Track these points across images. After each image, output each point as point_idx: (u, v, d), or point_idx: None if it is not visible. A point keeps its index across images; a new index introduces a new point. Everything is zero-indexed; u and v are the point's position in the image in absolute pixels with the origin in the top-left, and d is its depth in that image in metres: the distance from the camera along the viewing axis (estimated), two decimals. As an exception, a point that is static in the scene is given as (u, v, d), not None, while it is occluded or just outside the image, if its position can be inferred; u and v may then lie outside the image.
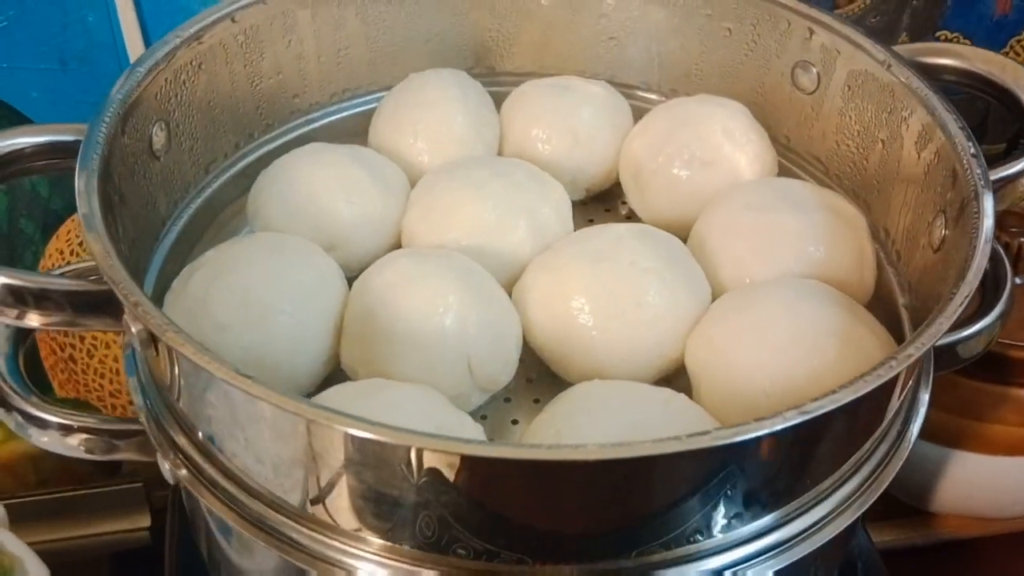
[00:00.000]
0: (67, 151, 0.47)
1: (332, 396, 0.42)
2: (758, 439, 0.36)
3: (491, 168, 0.54)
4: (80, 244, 0.71)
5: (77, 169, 0.43)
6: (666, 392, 0.44)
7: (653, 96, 0.63)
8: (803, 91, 0.57)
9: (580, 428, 0.41)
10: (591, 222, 0.58)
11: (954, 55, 0.53)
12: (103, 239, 0.40)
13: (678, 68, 0.62)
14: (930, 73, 0.51)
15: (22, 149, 0.46)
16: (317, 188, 0.53)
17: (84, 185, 0.43)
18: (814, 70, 0.56)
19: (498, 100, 0.61)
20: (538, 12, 0.62)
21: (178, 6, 0.67)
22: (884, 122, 0.52)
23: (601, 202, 0.61)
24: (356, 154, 0.55)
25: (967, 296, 0.38)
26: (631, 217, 0.59)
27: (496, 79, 0.64)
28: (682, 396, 0.44)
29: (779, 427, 0.34)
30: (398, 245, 0.54)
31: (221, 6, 0.54)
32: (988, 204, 0.43)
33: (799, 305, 0.46)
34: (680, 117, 0.57)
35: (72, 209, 0.70)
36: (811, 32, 0.55)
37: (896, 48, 0.53)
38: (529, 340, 0.49)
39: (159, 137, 0.51)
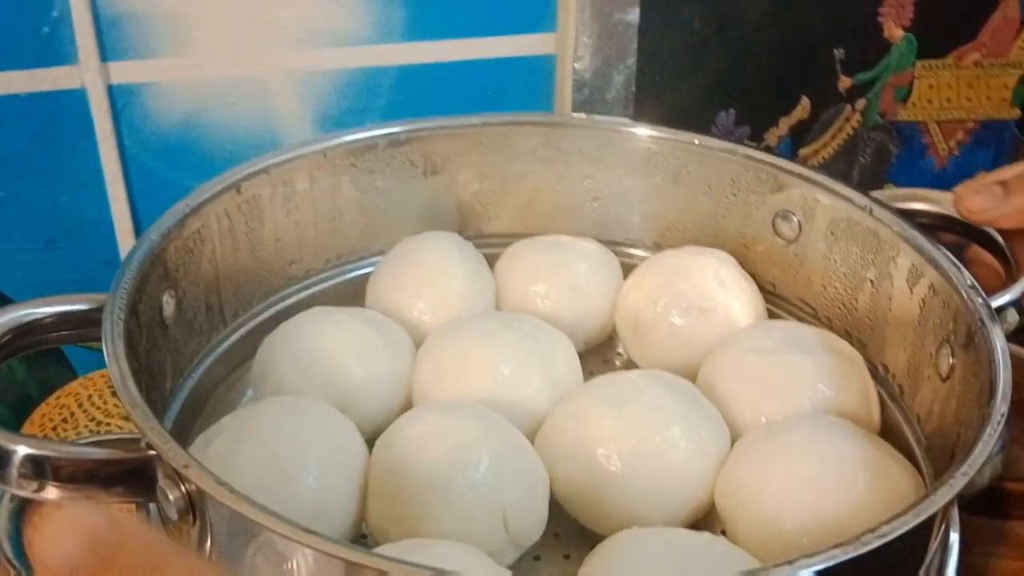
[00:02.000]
0: (82, 321, 0.46)
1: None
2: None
3: (499, 320, 0.55)
4: (54, 428, 0.69)
5: (104, 335, 0.43)
6: (706, 536, 0.44)
7: (638, 251, 0.66)
8: (786, 239, 0.60)
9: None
10: (591, 374, 0.59)
11: (926, 200, 0.57)
12: (140, 403, 0.39)
13: (661, 223, 0.64)
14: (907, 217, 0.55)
15: (40, 319, 0.46)
16: (329, 349, 0.53)
17: (112, 350, 0.42)
18: (795, 219, 0.59)
19: (488, 261, 0.63)
20: (524, 177, 0.64)
21: (167, 182, 0.67)
22: (871, 263, 0.55)
23: (598, 354, 0.62)
24: (362, 315, 0.55)
25: (1003, 416, 0.40)
26: (629, 367, 0.60)
27: (484, 241, 0.65)
28: (722, 538, 0.44)
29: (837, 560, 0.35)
30: (409, 405, 0.54)
31: (227, 176, 0.54)
32: (997, 331, 0.45)
33: (823, 439, 0.47)
34: (673, 267, 0.59)
35: (47, 393, 0.68)
36: (789, 184, 0.59)
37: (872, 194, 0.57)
38: (555, 493, 0.49)
39: (169, 306, 0.50)
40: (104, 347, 0.42)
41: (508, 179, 0.65)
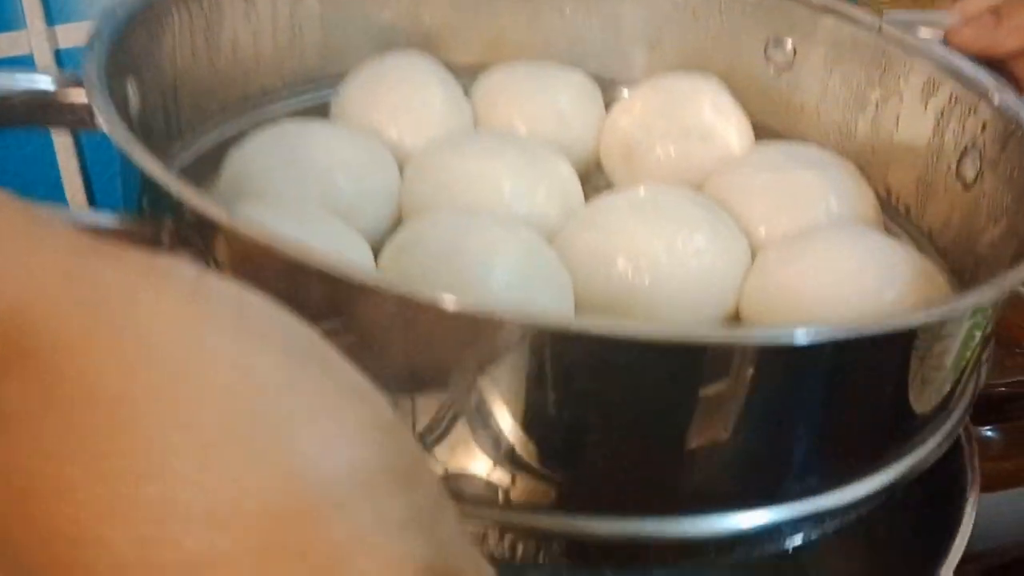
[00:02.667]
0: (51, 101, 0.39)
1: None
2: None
3: (495, 136, 0.50)
4: None
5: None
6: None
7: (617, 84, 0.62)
8: (778, 67, 0.57)
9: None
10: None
11: (929, 24, 0.55)
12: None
13: (641, 55, 0.61)
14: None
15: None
16: (314, 159, 0.47)
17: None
18: (789, 44, 0.57)
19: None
20: (497, 5, 0.60)
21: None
22: (877, 83, 0.53)
23: (584, 183, 0.58)
24: (337, 128, 0.50)
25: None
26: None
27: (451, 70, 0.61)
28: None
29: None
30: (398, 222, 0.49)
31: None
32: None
33: (855, 239, 0.45)
34: (666, 93, 0.56)
35: None
36: (785, 7, 0.56)
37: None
38: (578, 308, 0.45)
39: (134, 97, 0.44)
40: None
41: (480, 8, 0.60)
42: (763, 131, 0.58)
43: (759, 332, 0.37)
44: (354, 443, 0.19)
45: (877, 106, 0.53)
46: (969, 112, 0.48)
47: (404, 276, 0.41)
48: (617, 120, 0.56)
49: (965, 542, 0.42)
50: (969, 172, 0.47)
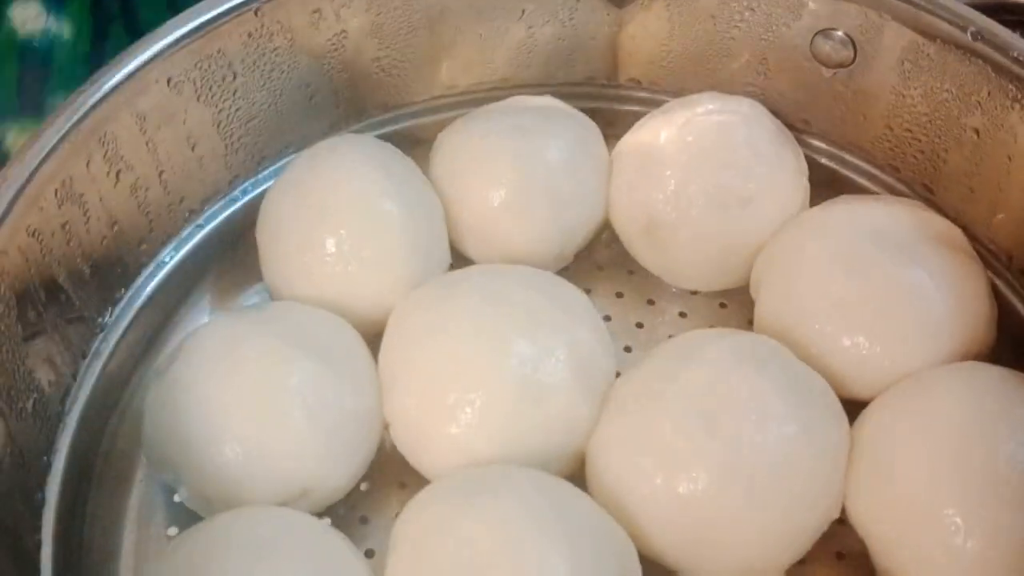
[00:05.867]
0: None
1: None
2: None
3: (487, 302, 0.37)
4: None
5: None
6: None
7: (611, 93, 0.47)
8: (830, 65, 0.43)
9: None
10: (588, 292, 0.43)
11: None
12: None
13: (638, 54, 0.46)
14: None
15: None
16: (252, 414, 0.35)
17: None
18: (841, 36, 0.42)
19: (408, 144, 0.44)
20: (437, 24, 0.44)
21: None
22: (977, 107, 0.39)
23: (581, 260, 0.45)
24: (281, 327, 0.37)
25: None
26: (633, 273, 0.45)
27: (397, 115, 0.46)
28: None
29: None
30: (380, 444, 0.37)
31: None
32: None
33: (988, 420, 0.34)
34: (690, 142, 0.42)
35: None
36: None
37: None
38: (645, 550, 0.35)
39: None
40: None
41: (416, 29, 0.44)
42: (814, 141, 0.45)
43: None
44: None
45: (979, 134, 0.40)
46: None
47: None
48: (631, 183, 0.43)
49: None
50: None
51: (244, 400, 0.35)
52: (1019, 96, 0.38)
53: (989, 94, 0.39)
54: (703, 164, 0.41)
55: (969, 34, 0.38)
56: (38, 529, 0.34)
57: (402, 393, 0.36)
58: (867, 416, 0.36)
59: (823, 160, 0.45)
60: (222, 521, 0.33)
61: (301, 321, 0.37)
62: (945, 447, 0.34)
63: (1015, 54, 0.37)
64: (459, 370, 0.36)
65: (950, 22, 0.39)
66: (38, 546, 0.34)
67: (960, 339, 0.38)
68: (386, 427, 0.37)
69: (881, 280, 0.38)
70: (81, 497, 0.37)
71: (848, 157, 0.45)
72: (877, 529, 0.35)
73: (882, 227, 0.39)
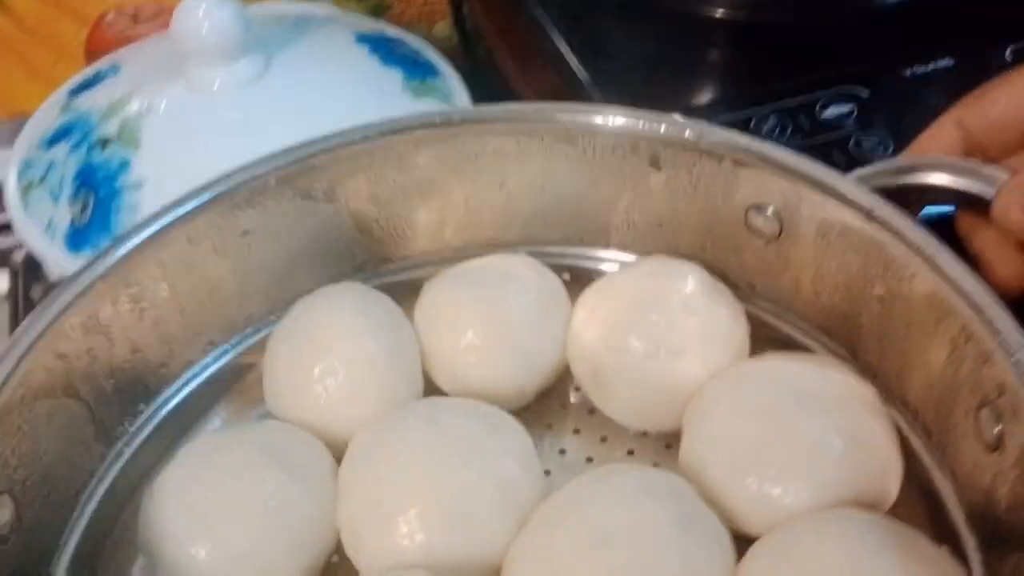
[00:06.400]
0: None
1: None
2: None
3: (433, 431, 0.44)
4: None
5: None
6: None
7: (580, 251, 0.54)
8: (763, 237, 0.48)
9: None
10: (549, 428, 0.50)
11: (949, 170, 0.44)
12: None
13: (603, 222, 0.53)
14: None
15: None
16: (223, 511, 0.42)
17: None
18: (770, 211, 0.47)
19: (405, 290, 0.51)
20: (429, 189, 0.52)
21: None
22: (880, 278, 0.44)
23: (550, 397, 0.51)
24: (260, 444, 0.44)
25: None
26: (589, 409, 0.50)
27: (395, 267, 0.54)
28: None
29: None
30: (334, 548, 0.43)
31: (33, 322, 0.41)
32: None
33: (855, 563, 0.37)
34: (631, 299, 0.48)
35: None
36: (756, 173, 0.47)
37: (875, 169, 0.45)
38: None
39: (4, 513, 0.39)
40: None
41: (409, 196, 0.52)
42: (761, 302, 0.50)
43: None
44: None
45: (883, 303, 0.44)
46: (982, 360, 0.39)
47: None
48: (580, 333, 0.49)
49: None
50: (988, 431, 0.39)
51: (216, 501, 0.42)
52: (910, 274, 0.42)
53: (885, 266, 0.43)
54: (639, 318, 0.47)
55: (864, 216, 0.43)
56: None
57: (348, 503, 0.43)
58: (752, 550, 0.40)
59: (769, 319, 0.50)
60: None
61: (278, 437, 0.45)
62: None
63: (908, 236, 0.42)
64: (394, 487, 0.42)
65: (848, 204, 0.44)
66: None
67: (857, 487, 0.42)
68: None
69: (784, 427, 0.42)
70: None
71: (790, 318, 0.50)
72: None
73: (796, 381, 0.44)
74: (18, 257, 0.64)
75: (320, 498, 0.43)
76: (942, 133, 0.46)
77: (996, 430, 0.38)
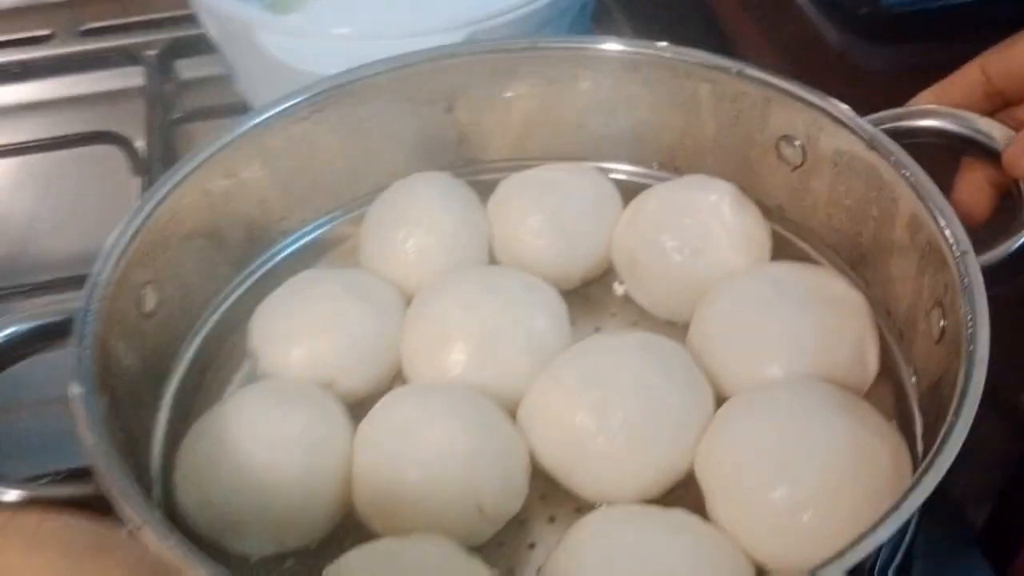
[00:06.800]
0: (58, 333, 0.47)
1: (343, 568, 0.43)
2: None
3: (482, 285, 0.54)
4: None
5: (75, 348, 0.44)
6: (678, 517, 0.44)
7: (639, 169, 0.63)
8: (791, 165, 0.56)
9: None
10: (589, 310, 0.59)
11: (946, 117, 0.51)
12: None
13: (663, 146, 0.61)
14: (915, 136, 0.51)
15: (16, 336, 0.47)
16: (313, 324, 0.53)
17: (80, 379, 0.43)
18: (798, 144, 0.55)
19: (485, 188, 0.61)
20: (514, 106, 0.61)
21: None
22: (875, 201, 0.51)
23: (597, 286, 0.60)
24: (349, 281, 0.55)
25: (965, 433, 0.38)
26: (628, 300, 0.59)
27: (479, 168, 0.64)
28: (693, 520, 0.44)
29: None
30: (399, 370, 0.54)
31: (189, 160, 0.53)
32: (982, 309, 0.42)
33: (806, 417, 0.45)
34: (669, 203, 0.57)
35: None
36: (788, 109, 0.54)
37: (882, 114, 0.52)
38: (538, 460, 0.49)
39: (149, 298, 0.51)
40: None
41: (497, 110, 0.62)
42: (787, 223, 0.58)
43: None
44: None
45: (876, 222, 0.52)
46: (939, 266, 0.46)
47: (368, 464, 0.47)
48: (623, 230, 0.58)
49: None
50: (936, 325, 0.46)
51: (310, 317, 0.53)
52: (897, 195, 0.50)
53: (880, 190, 0.51)
54: (674, 221, 0.56)
55: (866, 144, 0.51)
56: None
57: (410, 335, 0.54)
58: (726, 404, 0.49)
59: (790, 237, 0.58)
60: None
61: (365, 281, 0.56)
62: (773, 422, 0.46)
63: (896, 162, 0.50)
64: (445, 325, 0.52)
65: (856, 134, 0.51)
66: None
67: (831, 372, 0.49)
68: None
69: (775, 316, 0.50)
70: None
71: (807, 236, 0.57)
72: (713, 481, 0.47)
73: (787, 280, 0.52)
74: (151, 52, 0.74)
75: (390, 328, 0.54)
76: (966, 78, 0.52)
77: (941, 324, 0.46)
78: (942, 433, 0.39)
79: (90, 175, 0.75)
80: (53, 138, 0.76)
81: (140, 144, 0.75)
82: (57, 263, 0.69)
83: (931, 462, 0.38)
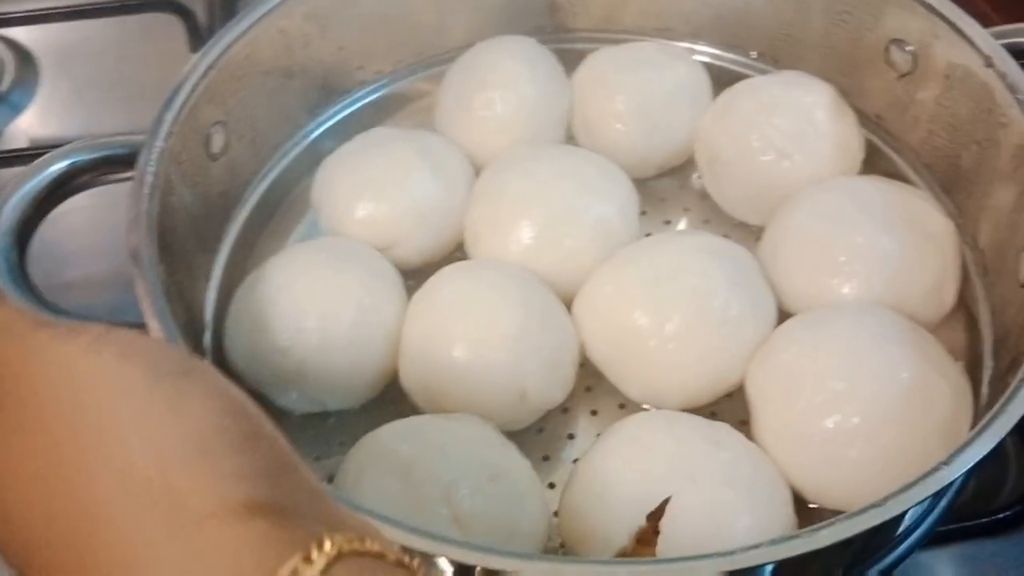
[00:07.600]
0: (123, 163, 0.47)
1: (381, 436, 0.43)
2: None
3: (556, 165, 0.52)
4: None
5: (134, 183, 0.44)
6: (721, 432, 0.43)
7: (735, 56, 0.59)
8: (898, 71, 0.52)
9: (622, 482, 0.41)
10: (662, 201, 0.57)
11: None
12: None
13: (767, 34, 0.58)
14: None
15: (78, 166, 0.47)
16: (378, 185, 0.52)
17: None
18: (909, 49, 0.51)
19: (570, 58, 0.58)
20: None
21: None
22: (982, 122, 0.48)
23: (673, 177, 0.58)
24: (420, 145, 0.53)
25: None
26: (703, 195, 0.57)
27: (569, 36, 0.61)
28: (737, 438, 0.43)
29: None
30: (460, 241, 0.53)
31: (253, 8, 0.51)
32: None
33: (869, 346, 0.44)
34: (762, 102, 0.53)
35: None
36: (907, 10, 0.50)
37: (1005, 27, 0.48)
38: (588, 353, 0.48)
39: (217, 138, 0.50)
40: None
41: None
42: (883, 134, 0.55)
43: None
44: (199, 418, 0.26)
45: (979, 146, 0.48)
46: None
47: (417, 337, 0.47)
48: (708, 122, 0.55)
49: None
50: (1022, 270, 0.44)
51: (377, 176, 0.52)
52: (1007, 121, 0.46)
53: (989, 112, 0.47)
54: (763, 120, 0.53)
55: (984, 61, 0.47)
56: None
57: (476, 208, 0.52)
58: (788, 321, 0.47)
59: (886, 149, 0.55)
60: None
61: (435, 144, 0.54)
62: (834, 347, 0.44)
63: (1014, 85, 0.46)
64: (513, 201, 0.51)
65: (975, 48, 0.47)
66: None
67: (905, 298, 0.47)
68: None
69: (853, 233, 0.48)
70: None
71: (903, 151, 0.54)
72: (762, 399, 0.46)
73: (872, 198, 0.49)
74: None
75: (455, 199, 0.53)
76: None
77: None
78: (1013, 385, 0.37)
79: (148, 45, 0.71)
80: (112, 2, 0.72)
81: (201, 15, 0.71)
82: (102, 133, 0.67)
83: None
